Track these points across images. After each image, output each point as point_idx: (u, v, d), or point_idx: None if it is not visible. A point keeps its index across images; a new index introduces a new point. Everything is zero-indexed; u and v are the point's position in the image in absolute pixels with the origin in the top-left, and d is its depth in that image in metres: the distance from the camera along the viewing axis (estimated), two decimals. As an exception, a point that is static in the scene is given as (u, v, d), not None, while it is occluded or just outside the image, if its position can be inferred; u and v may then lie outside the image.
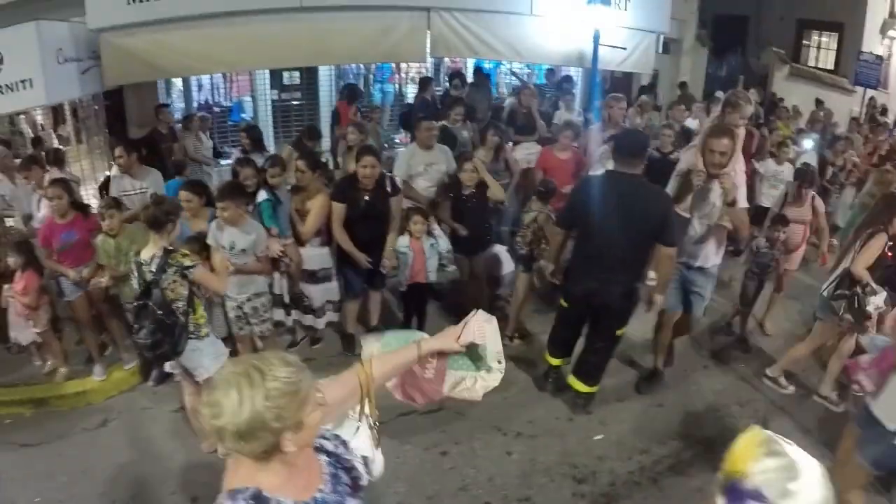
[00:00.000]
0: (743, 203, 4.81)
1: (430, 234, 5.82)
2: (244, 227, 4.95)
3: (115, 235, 5.19)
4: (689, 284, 5.23)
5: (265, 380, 1.50)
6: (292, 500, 1.65)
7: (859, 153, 11.37)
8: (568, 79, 11.26)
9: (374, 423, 2.15)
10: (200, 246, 4.96)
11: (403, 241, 5.72)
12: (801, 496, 1.45)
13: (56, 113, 11.22)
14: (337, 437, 1.98)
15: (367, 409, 2.13)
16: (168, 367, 4.54)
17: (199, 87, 11.66)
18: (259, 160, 6.39)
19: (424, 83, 10.17)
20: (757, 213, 8.09)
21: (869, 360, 3.66)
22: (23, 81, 6.65)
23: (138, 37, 7.65)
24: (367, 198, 5.56)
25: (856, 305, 4.86)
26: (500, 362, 2.33)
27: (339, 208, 5.54)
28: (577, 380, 5.14)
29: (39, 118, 10.96)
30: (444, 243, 5.90)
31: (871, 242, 4.89)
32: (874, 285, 4.82)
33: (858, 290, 4.85)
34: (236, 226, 4.91)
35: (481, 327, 2.28)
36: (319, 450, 1.87)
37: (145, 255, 4.25)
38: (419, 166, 6.37)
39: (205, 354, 4.34)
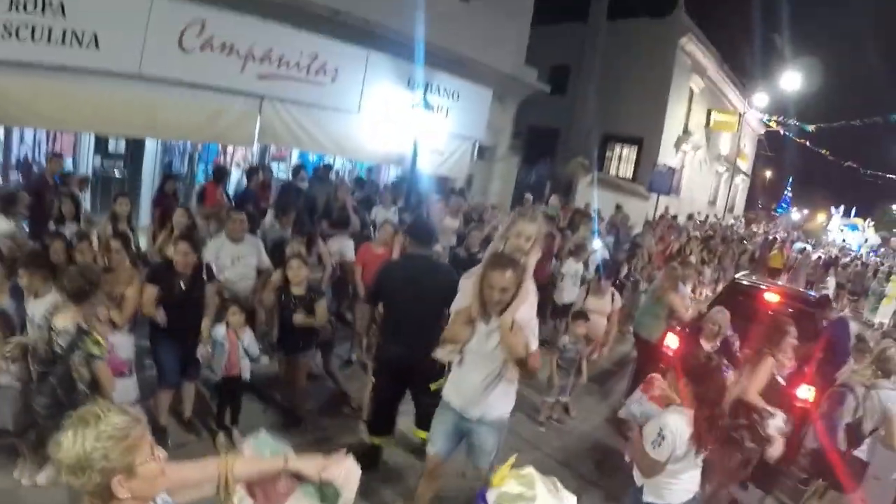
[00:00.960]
0: (534, 346, 3.86)
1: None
2: (44, 296, 4.63)
3: None
4: (466, 434, 4.29)
5: (98, 423, 1.71)
6: None
7: (651, 252, 12.94)
8: (401, 180, 11.69)
9: None
10: (3, 321, 4.73)
11: (220, 332, 5.48)
12: None
13: None
14: None
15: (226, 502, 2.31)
16: None
17: (21, 140, 11.19)
18: (71, 229, 6.36)
19: (251, 173, 10.07)
20: (563, 309, 8.98)
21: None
22: None
23: None
24: (182, 283, 5.38)
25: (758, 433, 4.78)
26: None
27: (152, 290, 5.29)
28: (422, 430, 5.31)
29: None
30: (247, 337, 5.60)
31: (759, 367, 4.88)
32: (769, 408, 4.77)
33: (756, 417, 4.79)
34: (36, 296, 4.65)
35: (348, 473, 2.37)
36: None
37: (60, 323, 4.02)
38: (227, 259, 6.30)
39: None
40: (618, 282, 10.75)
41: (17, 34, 7.40)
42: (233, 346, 5.47)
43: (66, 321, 4.03)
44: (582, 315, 6.93)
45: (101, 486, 1.72)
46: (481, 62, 13.07)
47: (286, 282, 5.82)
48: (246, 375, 5.61)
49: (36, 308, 4.69)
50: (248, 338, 5.57)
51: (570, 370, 6.83)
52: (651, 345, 7.60)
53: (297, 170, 10.42)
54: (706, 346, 6.26)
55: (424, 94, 10.75)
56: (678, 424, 3.61)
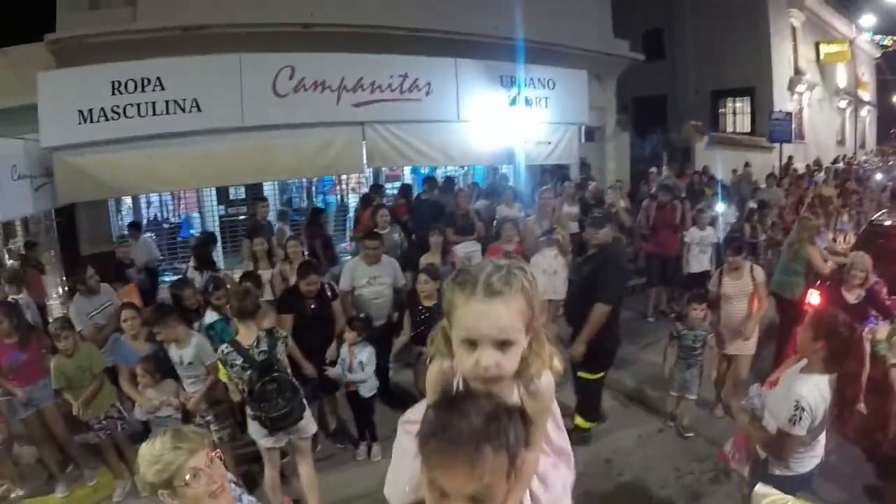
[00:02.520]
0: None
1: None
2: (185, 341, 5.20)
3: (71, 356, 5.32)
4: None
5: (146, 449, 2.17)
6: None
7: (781, 206, 12.16)
8: (504, 177, 11.84)
9: None
10: (155, 365, 5.20)
11: (344, 350, 5.79)
12: None
13: (7, 229, 11.26)
14: None
15: None
16: (273, 441, 4.78)
17: (149, 203, 11.94)
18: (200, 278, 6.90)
19: (366, 201, 10.23)
20: (691, 280, 8.69)
21: (730, 450, 4.08)
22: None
23: (89, 156, 8.08)
24: (312, 305, 5.92)
25: None
26: None
27: (287, 319, 5.80)
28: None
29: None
30: (363, 354, 5.75)
31: None
32: None
33: None
34: (178, 344, 5.18)
35: None
36: None
37: (245, 341, 4.69)
38: (362, 279, 6.56)
39: (307, 414, 4.85)
40: (752, 245, 10.25)
41: (124, 113, 8.19)
42: (350, 363, 5.73)
43: (253, 334, 4.72)
44: (698, 297, 6.16)
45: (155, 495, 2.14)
46: (569, 45, 12.76)
47: (416, 295, 6.07)
48: (364, 392, 5.81)
49: (182, 354, 5.21)
50: (364, 355, 5.73)
51: (689, 361, 6.08)
52: (792, 304, 7.16)
53: (424, 181, 10.81)
54: (850, 297, 5.82)
55: (519, 89, 10.57)
56: (812, 394, 3.35)
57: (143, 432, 5.04)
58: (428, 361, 1.62)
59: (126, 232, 9.75)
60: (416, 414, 1.73)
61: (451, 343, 1.50)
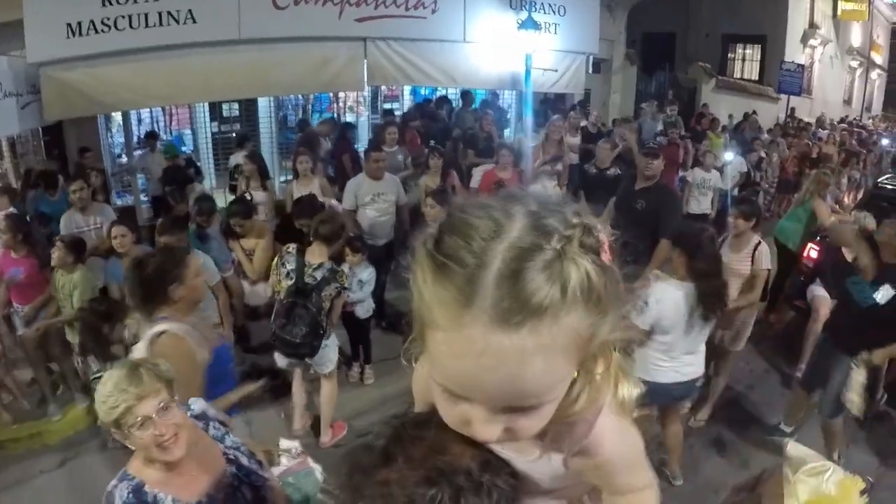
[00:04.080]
0: None
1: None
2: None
3: (56, 270, 5.15)
4: None
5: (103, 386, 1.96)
6: (172, 496, 1.99)
7: (783, 157, 12.06)
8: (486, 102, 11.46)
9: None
10: None
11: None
12: None
13: None
14: (253, 456, 2.34)
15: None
16: (283, 363, 4.78)
17: (140, 121, 11.59)
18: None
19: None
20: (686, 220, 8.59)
21: None
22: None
23: (77, 71, 7.68)
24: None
25: None
26: None
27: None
28: None
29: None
30: (363, 274, 5.53)
31: None
32: None
33: None
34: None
35: None
36: (232, 461, 2.22)
37: (313, 260, 4.56)
38: (366, 196, 6.42)
39: (330, 350, 4.75)
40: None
41: (115, 25, 7.74)
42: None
43: (322, 258, 4.55)
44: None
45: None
46: (582, -28, 12.27)
47: (421, 215, 5.90)
48: (360, 313, 5.63)
49: None
50: (365, 274, 5.53)
51: None
52: (790, 253, 7.08)
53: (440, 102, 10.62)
54: (848, 256, 5.38)
55: (529, 13, 10.19)
56: (660, 293, 3.65)
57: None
58: (413, 361, 0.99)
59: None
60: None
61: None
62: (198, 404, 2.35)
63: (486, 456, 0.90)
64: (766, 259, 5.12)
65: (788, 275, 7.05)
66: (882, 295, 4.20)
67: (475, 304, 0.69)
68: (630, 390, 0.97)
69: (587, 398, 0.86)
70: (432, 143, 8.90)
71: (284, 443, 3.41)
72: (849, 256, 5.54)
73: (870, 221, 5.73)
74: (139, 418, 1.91)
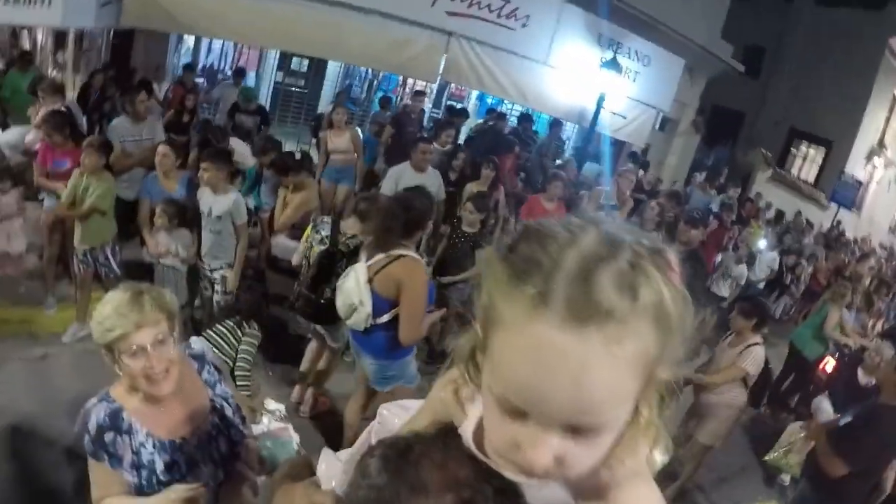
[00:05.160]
0: None
1: None
2: (222, 193, 4.90)
3: (84, 175, 5.00)
4: None
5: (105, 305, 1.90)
6: (148, 429, 1.97)
7: (818, 267, 11.94)
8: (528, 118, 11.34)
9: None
10: (176, 210, 5.00)
11: None
12: None
13: (58, 38, 11.01)
14: (239, 410, 2.29)
15: None
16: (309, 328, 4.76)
17: (209, 50, 11.66)
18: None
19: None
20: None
21: None
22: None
23: None
24: None
25: None
26: None
27: None
28: None
29: (40, 38, 10.72)
30: None
31: None
32: None
33: None
34: (215, 191, 4.88)
35: None
36: (216, 410, 2.17)
37: (347, 228, 4.57)
38: (408, 186, 6.37)
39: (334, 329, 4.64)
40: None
41: None
42: None
43: (355, 231, 4.51)
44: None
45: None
46: (676, 29, 12.13)
47: (455, 217, 5.98)
48: None
49: (213, 203, 4.88)
50: None
51: None
52: (804, 359, 7.23)
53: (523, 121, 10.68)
54: (862, 378, 5.57)
55: (615, 53, 10.14)
56: None
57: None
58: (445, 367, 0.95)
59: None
60: (393, 415, 1.22)
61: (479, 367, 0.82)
62: (198, 345, 2.29)
63: (502, 483, 0.83)
64: (753, 361, 4.80)
65: (798, 380, 7.28)
66: None
67: (546, 303, 0.68)
68: (661, 455, 0.86)
69: (629, 440, 0.79)
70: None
71: (271, 404, 3.40)
72: (862, 379, 5.57)
73: (887, 352, 5.58)
74: (133, 347, 1.85)
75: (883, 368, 4.26)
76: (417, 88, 11.85)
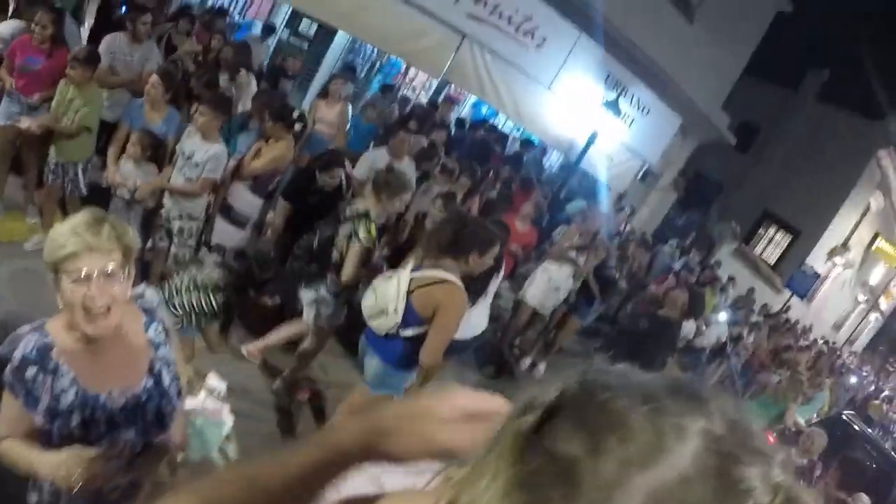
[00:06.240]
0: None
1: None
2: (211, 141, 4.77)
3: (77, 86, 4.85)
4: None
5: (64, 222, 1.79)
6: (74, 374, 1.82)
7: (760, 347, 12.27)
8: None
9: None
10: (151, 143, 4.86)
11: None
12: None
13: None
14: (177, 379, 2.11)
15: None
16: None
17: (219, -9, 11.44)
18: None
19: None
20: None
21: None
22: None
23: None
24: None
25: None
26: None
27: (285, 208, 5.39)
28: None
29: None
30: None
31: None
32: None
33: None
34: (205, 137, 4.74)
35: None
36: (153, 374, 2.00)
37: (360, 205, 4.32)
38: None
39: (326, 306, 4.41)
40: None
41: None
42: None
43: (364, 203, 4.30)
44: None
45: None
46: (681, 88, 12.33)
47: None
48: None
49: (196, 148, 4.74)
50: None
51: None
52: None
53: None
54: (795, 459, 6.07)
55: (618, 96, 10.28)
56: None
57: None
58: None
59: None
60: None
61: None
62: (151, 296, 2.12)
63: None
64: None
65: None
66: None
67: None
68: None
69: None
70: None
71: (213, 380, 3.13)
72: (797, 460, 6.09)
73: (819, 440, 6.27)
74: (81, 269, 1.71)
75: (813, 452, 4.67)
76: (451, 94, 11.92)
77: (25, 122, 4.94)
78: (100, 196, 5.01)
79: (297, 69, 9.03)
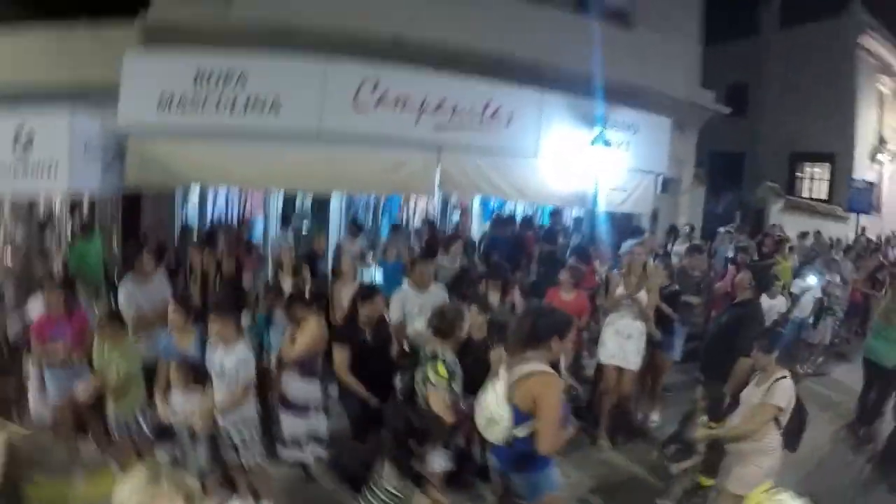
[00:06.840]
0: None
1: None
2: (231, 345, 4.85)
3: (104, 346, 5.17)
4: None
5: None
6: None
7: (850, 280, 11.77)
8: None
9: None
10: (188, 368, 4.92)
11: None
12: None
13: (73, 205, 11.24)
14: None
15: None
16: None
17: (214, 203, 11.92)
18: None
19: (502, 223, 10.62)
20: None
21: None
22: (49, 167, 7.17)
23: (162, 143, 8.08)
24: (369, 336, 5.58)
25: None
26: None
27: (342, 352, 5.46)
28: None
29: (57, 206, 10.86)
30: None
31: None
32: None
33: None
34: (226, 343, 4.84)
35: None
36: None
37: (430, 346, 4.61)
38: (414, 308, 6.26)
39: None
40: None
41: (203, 105, 8.21)
42: None
43: (431, 346, 4.58)
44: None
45: None
46: (656, 90, 12.43)
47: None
48: None
49: (222, 359, 4.84)
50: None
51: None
52: (886, 370, 7.31)
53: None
54: None
55: (602, 130, 10.27)
56: None
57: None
58: None
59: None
60: None
61: None
62: None
63: None
64: (782, 394, 4.66)
65: (886, 390, 7.48)
66: None
67: None
68: None
69: None
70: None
71: None
72: None
73: None
74: None
75: None
76: (504, 215, 11.98)
77: (82, 394, 5.19)
78: (168, 433, 5.09)
79: (322, 247, 9.37)
